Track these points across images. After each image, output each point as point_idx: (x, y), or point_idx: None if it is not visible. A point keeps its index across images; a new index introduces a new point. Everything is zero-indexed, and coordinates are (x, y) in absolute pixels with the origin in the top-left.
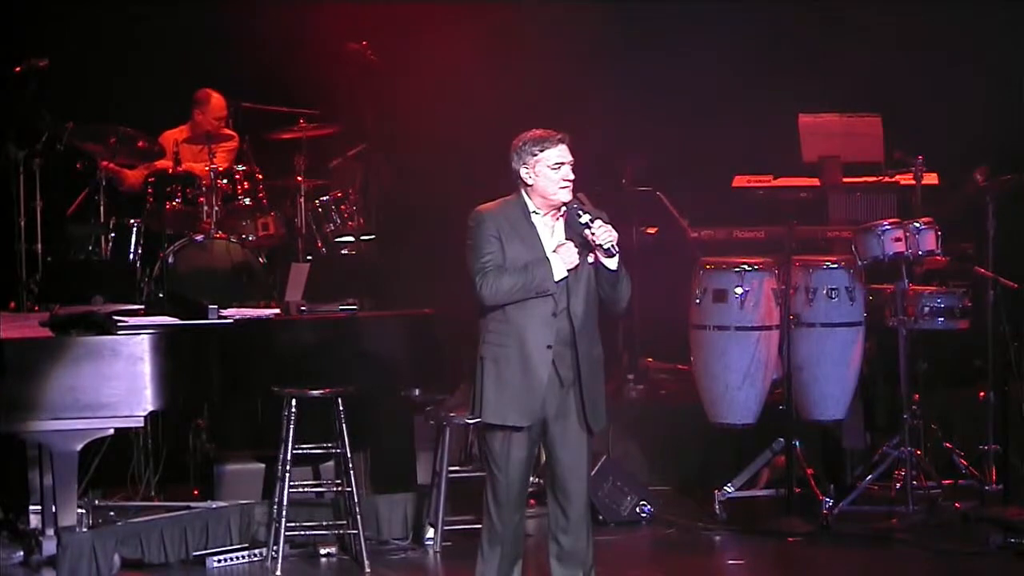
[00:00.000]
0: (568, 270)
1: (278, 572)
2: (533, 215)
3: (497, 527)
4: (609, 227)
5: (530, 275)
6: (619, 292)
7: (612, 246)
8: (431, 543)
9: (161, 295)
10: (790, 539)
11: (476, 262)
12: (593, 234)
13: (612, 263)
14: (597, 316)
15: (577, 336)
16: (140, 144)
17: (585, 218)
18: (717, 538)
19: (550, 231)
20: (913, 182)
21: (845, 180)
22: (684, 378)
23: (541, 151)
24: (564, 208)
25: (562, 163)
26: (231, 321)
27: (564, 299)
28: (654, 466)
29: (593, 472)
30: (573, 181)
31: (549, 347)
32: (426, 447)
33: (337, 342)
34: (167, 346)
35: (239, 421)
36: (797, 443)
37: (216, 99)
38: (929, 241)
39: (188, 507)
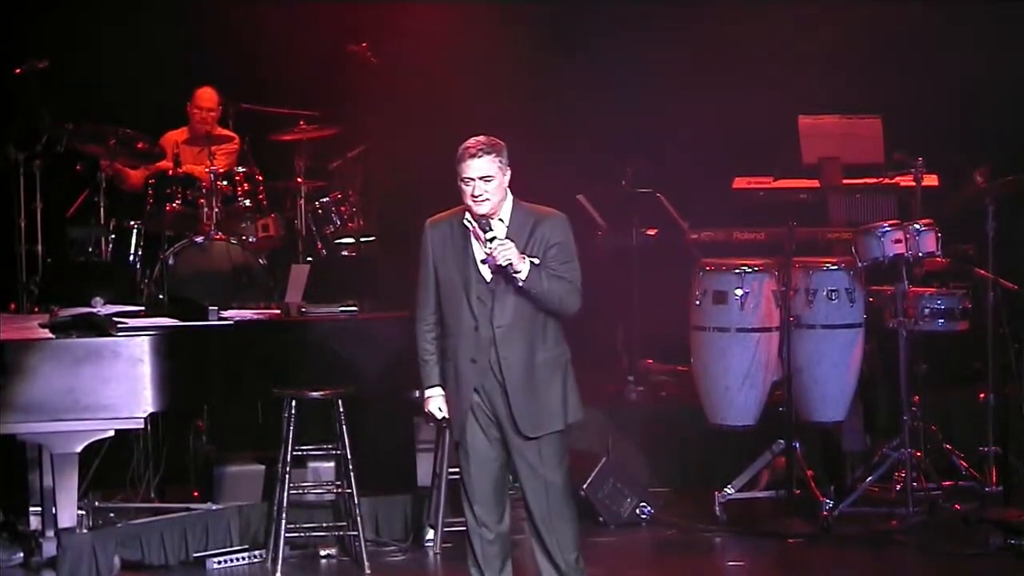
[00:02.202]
0: (494, 277)
1: (278, 573)
2: (467, 224)
3: (472, 523)
4: (507, 244)
5: (423, 372)
6: (544, 304)
7: (509, 264)
8: (431, 544)
9: (161, 296)
10: (790, 540)
11: (417, 289)
12: (491, 252)
13: (519, 278)
14: (542, 321)
15: (499, 345)
16: (140, 145)
17: (488, 235)
18: (717, 539)
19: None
20: (913, 184)
21: (845, 181)
22: (684, 380)
23: (457, 164)
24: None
25: (469, 178)
26: (231, 322)
27: (487, 311)
28: (654, 467)
29: (593, 474)
30: (479, 196)
31: (474, 361)
32: (426, 448)
33: (337, 343)
34: (167, 347)
35: (239, 423)
36: (797, 445)
37: (203, 91)
38: (929, 243)
39: (188, 508)
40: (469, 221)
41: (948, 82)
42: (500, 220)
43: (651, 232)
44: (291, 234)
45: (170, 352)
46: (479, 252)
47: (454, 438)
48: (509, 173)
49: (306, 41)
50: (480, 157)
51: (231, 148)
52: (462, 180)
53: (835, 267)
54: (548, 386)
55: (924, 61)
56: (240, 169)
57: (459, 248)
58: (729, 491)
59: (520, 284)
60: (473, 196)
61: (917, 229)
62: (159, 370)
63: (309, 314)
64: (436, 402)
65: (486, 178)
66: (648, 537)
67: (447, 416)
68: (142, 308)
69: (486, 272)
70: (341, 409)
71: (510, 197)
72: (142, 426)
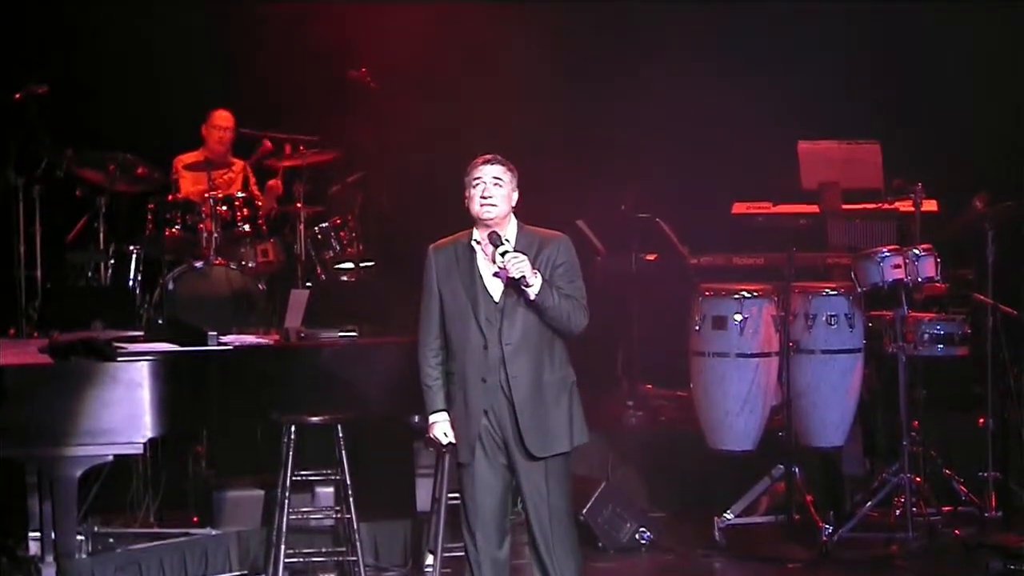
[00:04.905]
0: (504, 296)
1: None
2: (475, 244)
3: (471, 551)
4: (520, 257)
5: (428, 397)
6: (553, 320)
7: (523, 277)
8: (430, 570)
9: (160, 321)
10: (790, 566)
11: (420, 316)
12: (503, 266)
13: (531, 292)
14: (549, 341)
15: (508, 363)
16: (139, 171)
17: (501, 249)
18: (716, 564)
19: (491, 258)
20: (912, 209)
21: (844, 207)
22: (684, 405)
23: (469, 172)
24: (489, 236)
25: (479, 178)
26: (230, 347)
27: (495, 330)
28: (653, 492)
29: (592, 498)
30: (488, 198)
31: (484, 380)
32: (426, 474)
33: (336, 368)
34: (166, 372)
35: (238, 448)
36: (796, 470)
37: (219, 112)
38: (928, 268)
39: (187, 534)
40: (477, 240)
41: (947, 107)
42: (506, 240)
43: (651, 257)
44: (290, 259)
45: (169, 377)
46: (487, 270)
47: (461, 461)
48: (517, 195)
49: (306, 66)
50: (494, 164)
51: (237, 170)
52: (472, 185)
53: (834, 292)
54: (555, 406)
55: (923, 86)
56: (240, 194)
57: (465, 270)
58: (729, 516)
59: (532, 298)
60: (482, 197)
61: (916, 254)
62: (158, 395)
63: (309, 339)
64: (442, 427)
65: (497, 181)
66: (647, 562)
67: (453, 441)
68: (141, 333)
69: (494, 291)
70: (341, 434)
71: (515, 220)
72: (141, 451)
